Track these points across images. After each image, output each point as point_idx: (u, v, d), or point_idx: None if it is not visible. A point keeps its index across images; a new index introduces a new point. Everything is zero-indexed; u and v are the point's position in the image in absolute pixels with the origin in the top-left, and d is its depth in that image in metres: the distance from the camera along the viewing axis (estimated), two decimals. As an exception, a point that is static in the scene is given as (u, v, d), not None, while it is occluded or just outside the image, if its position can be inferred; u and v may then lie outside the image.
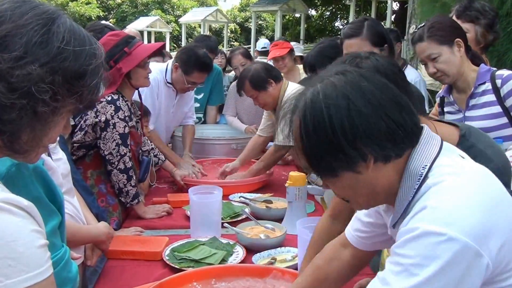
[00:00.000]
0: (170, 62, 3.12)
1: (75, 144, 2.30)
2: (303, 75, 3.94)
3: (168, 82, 3.08)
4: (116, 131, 2.24)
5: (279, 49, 4.02)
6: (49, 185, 1.12)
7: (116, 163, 2.26)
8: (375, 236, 1.25)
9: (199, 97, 3.98)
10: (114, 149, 2.25)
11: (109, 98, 2.25)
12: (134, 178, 2.35)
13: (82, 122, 2.28)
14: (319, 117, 0.95)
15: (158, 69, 3.03)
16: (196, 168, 2.99)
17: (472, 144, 1.38)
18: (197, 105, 3.93)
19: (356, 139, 0.93)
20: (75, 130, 2.30)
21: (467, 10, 2.39)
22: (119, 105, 2.26)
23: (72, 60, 0.88)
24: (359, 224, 1.28)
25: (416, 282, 0.86)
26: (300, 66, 4.00)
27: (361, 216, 1.27)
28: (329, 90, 0.96)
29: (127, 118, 2.29)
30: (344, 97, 0.94)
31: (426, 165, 0.97)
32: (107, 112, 2.23)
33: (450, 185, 0.93)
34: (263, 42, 6.33)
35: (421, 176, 0.96)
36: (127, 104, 2.34)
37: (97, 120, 2.23)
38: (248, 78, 2.88)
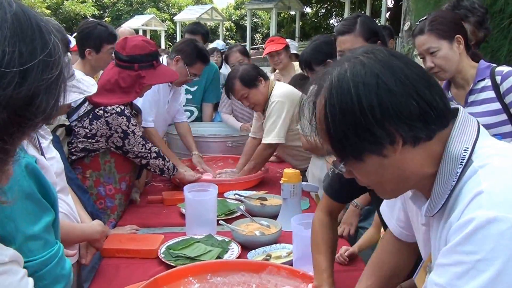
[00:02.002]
0: (165, 57, 3.12)
1: (78, 147, 2.31)
2: (299, 71, 3.95)
3: None
4: (137, 135, 2.38)
5: (275, 45, 4.03)
6: (42, 182, 1.12)
7: (149, 155, 2.44)
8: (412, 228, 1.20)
9: (193, 89, 3.96)
10: (141, 149, 2.41)
11: (118, 110, 2.32)
12: (166, 156, 2.53)
13: (87, 130, 2.30)
14: (346, 95, 0.89)
15: None
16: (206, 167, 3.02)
17: None
18: (190, 96, 3.94)
19: (385, 119, 0.88)
20: (77, 136, 2.31)
21: (456, 9, 2.39)
22: (128, 114, 2.36)
23: (18, 84, 0.65)
24: (401, 214, 1.23)
25: (488, 278, 0.79)
26: (295, 64, 4.01)
27: (398, 204, 1.22)
28: (357, 68, 0.91)
29: (135, 122, 2.41)
30: (374, 75, 0.89)
31: (467, 148, 0.91)
32: (121, 124, 2.32)
33: (500, 166, 0.87)
34: (221, 43, 6.23)
35: (464, 159, 0.90)
36: (129, 110, 2.40)
37: (112, 132, 2.31)
38: (238, 76, 2.88)
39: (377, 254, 1.36)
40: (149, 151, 2.43)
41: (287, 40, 4.39)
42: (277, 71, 4.19)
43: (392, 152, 0.91)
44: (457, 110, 0.97)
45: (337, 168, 0.99)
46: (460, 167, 0.90)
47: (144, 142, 2.41)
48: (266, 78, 2.96)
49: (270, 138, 2.86)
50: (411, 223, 1.17)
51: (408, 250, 1.29)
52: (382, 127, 0.88)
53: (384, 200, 1.29)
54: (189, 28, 4.35)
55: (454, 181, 0.91)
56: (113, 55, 2.95)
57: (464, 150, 0.91)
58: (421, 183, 0.97)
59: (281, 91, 2.91)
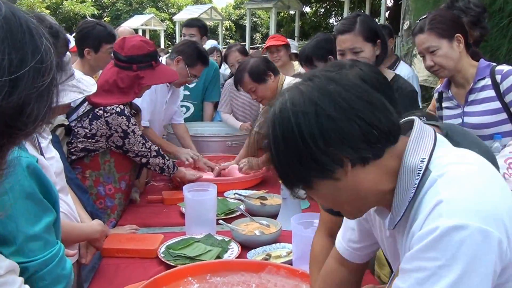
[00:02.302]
0: (164, 57, 3.12)
1: (78, 147, 2.30)
2: (298, 71, 3.95)
3: None
4: (137, 135, 2.38)
5: (276, 41, 4.05)
6: (44, 182, 1.12)
7: (149, 154, 2.45)
8: (367, 246, 1.22)
9: (191, 85, 3.96)
10: (142, 148, 2.42)
11: (118, 110, 2.32)
12: (166, 155, 2.55)
13: (87, 131, 2.30)
14: (287, 126, 0.91)
15: None
16: (197, 154, 3.02)
17: (457, 143, 1.38)
18: (187, 93, 3.94)
19: (328, 145, 0.89)
20: (77, 136, 2.30)
21: (450, 9, 2.39)
22: (127, 114, 2.36)
23: (8, 93, 0.62)
24: (352, 234, 1.24)
25: (448, 283, 0.81)
26: (295, 63, 4.02)
27: (350, 224, 1.23)
28: (296, 97, 0.92)
29: (135, 122, 2.41)
30: (312, 103, 0.90)
31: (424, 158, 0.92)
32: (121, 124, 2.33)
33: (457, 174, 0.89)
34: (211, 43, 6.31)
35: (421, 170, 0.91)
36: (128, 109, 2.40)
37: (112, 131, 2.31)
38: (247, 70, 2.86)
39: (321, 281, 1.35)
40: (149, 150, 2.44)
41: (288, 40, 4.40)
42: None
43: (343, 175, 0.92)
44: (412, 121, 0.99)
45: (295, 195, 1.01)
46: (417, 178, 0.91)
47: (144, 141, 2.42)
48: (276, 72, 2.93)
49: None
50: (376, 237, 1.17)
51: (352, 272, 1.29)
52: (325, 153, 0.89)
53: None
54: (185, 22, 4.34)
55: (412, 192, 0.92)
56: (112, 55, 2.96)
57: (421, 161, 0.92)
58: (382, 199, 0.98)
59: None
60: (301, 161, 0.91)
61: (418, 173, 0.92)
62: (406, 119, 1.03)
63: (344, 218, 1.26)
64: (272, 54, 4.06)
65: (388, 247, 1.11)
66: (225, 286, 1.59)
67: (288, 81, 2.92)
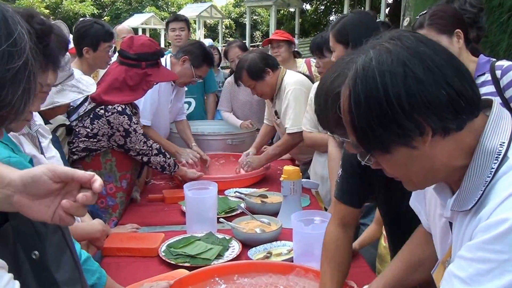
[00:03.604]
0: (167, 57, 3.12)
1: (79, 147, 2.30)
2: (300, 69, 3.95)
3: None
4: (139, 133, 2.39)
5: (278, 36, 4.07)
6: None
7: (150, 152, 2.45)
8: None
9: (194, 84, 3.98)
10: (143, 146, 2.42)
11: (120, 109, 2.33)
12: (167, 153, 2.55)
13: (88, 130, 2.31)
14: (371, 85, 0.85)
15: None
16: (204, 158, 3.02)
17: None
18: (185, 88, 3.95)
19: (413, 110, 0.83)
20: (79, 136, 2.30)
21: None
22: (129, 113, 2.37)
23: None
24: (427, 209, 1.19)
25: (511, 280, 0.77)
26: (298, 61, 4.03)
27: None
28: (383, 56, 0.86)
29: (137, 121, 2.43)
30: (401, 63, 0.84)
31: (503, 143, 0.87)
32: (122, 123, 2.34)
33: None
34: (207, 41, 6.41)
35: (499, 155, 0.86)
36: (129, 108, 2.41)
37: (114, 130, 2.32)
38: (245, 68, 2.88)
39: (407, 243, 1.34)
40: (150, 148, 2.45)
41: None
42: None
43: (422, 144, 0.87)
44: (491, 101, 0.94)
45: (363, 160, 0.96)
46: (495, 163, 0.86)
47: (146, 140, 2.43)
48: (275, 67, 2.93)
49: (295, 127, 2.83)
50: (427, 214, 1.14)
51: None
52: (410, 118, 0.84)
53: (412, 195, 1.26)
54: (172, 17, 4.36)
55: (489, 176, 0.87)
56: (110, 53, 2.96)
57: (500, 144, 0.87)
58: (451, 175, 0.94)
59: (296, 79, 2.90)
60: (384, 123, 0.86)
61: (497, 157, 0.86)
62: (483, 98, 0.96)
63: (419, 192, 1.21)
64: (273, 49, 4.08)
65: (438, 227, 1.07)
66: (252, 288, 1.57)
67: (290, 75, 2.92)
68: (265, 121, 3.26)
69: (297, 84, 2.86)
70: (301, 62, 4.04)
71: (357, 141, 0.93)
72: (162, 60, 3.08)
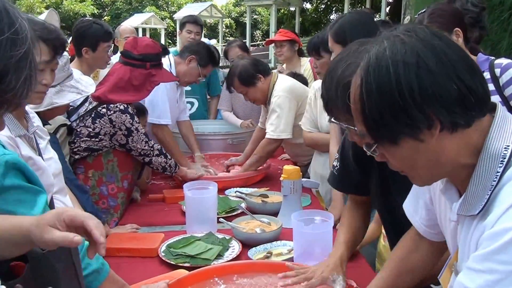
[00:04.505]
0: (170, 56, 3.11)
1: (81, 147, 2.30)
2: (303, 68, 3.95)
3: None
4: (141, 133, 2.39)
5: (280, 35, 4.07)
6: (27, 174, 1.15)
7: (151, 153, 2.45)
8: (437, 225, 1.17)
9: (198, 83, 3.99)
10: (145, 146, 2.41)
11: (122, 107, 2.33)
12: (168, 154, 2.56)
13: (90, 129, 2.30)
14: (384, 75, 0.86)
15: (164, 64, 3.03)
16: (210, 170, 2.98)
17: None
18: (188, 88, 3.96)
19: (424, 102, 0.84)
20: (80, 136, 2.30)
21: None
22: (131, 112, 2.37)
23: None
24: (423, 212, 1.20)
25: None
26: (303, 59, 4.03)
27: (420, 203, 1.19)
28: (397, 46, 0.87)
29: (138, 120, 2.43)
30: (414, 54, 0.85)
31: (508, 146, 0.87)
32: (125, 121, 2.34)
33: None
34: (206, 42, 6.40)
35: (504, 158, 0.86)
36: (131, 108, 2.42)
37: (116, 129, 2.32)
38: (236, 75, 2.90)
39: (396, 249, 1.35)
40: (151, 148, 2.44)
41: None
42: (281, 65, 4.24)
43: (429, 137, 0.87)
44: (495, 104, 0.94)
45: (370, 150, 0.96)
46: (500, 166, 0.86)
47: (147, 140, 2.43)
48: (267, 73, 2.94)
49: (274, 133, 2.84)
50: (438, 217, 1.13)
51: (428, 249, 1.27)
52: (420, 110, 0.85)
53: (407, 198, 1.27)
54: (192, 18, 4.27)
55: (494, 180, 0.87)
56: (109, 52, 2.96)
57: (505, 148, 0.87)
58: (455, 173, 0.94)
59: (284, 85, 2.90)
60: (394, 114, 0.86)
61: (502, 161, 0.86)
62: None
63: (414, 194, 1.23)
64: (277, 48, 4.10)
65: (449, 229, 1.07)
66: (252, 288, 1.56)
67: (281, 81, 2.91)
68: (259, 125, 3.21)
69: (285, 91, 2.86)
70: (305, 61, 4.04)
71: (366, 131, 0.93)
72: (166, 59, 3.10)
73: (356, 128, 1.02)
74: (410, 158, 0.92)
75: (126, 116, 2.34)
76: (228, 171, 3.05)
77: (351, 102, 0.95)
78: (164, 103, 2.92)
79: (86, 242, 1.29)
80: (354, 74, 0.94)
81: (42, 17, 2.58)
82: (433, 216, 1.18)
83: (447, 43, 0.89)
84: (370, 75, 0.88)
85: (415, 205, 1.24)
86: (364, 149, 0.98)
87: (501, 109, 0.93)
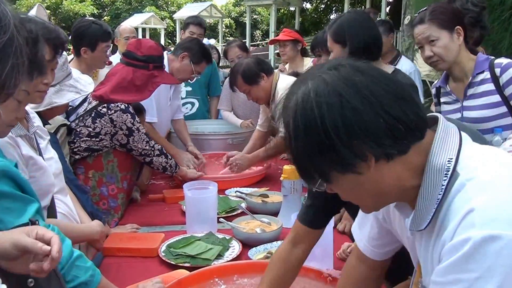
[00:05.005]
0: (165, 53, 3.11)
1: (81, 147, 2.29)
2: (305, 68, 3.95)
3: None
4: (142, 133, 2.39)
5: (283, 35, 4.08)
6: (19, 182, 1.15)
7: (152, 153, 2.45)
8: (387, 244, 1.20)
9: (192, 81, 3.99)
10: (146, 146, 2.41)
11: (123, 107, 2.33)
12: (168, 154, 2.55)
13: (90, 129, 2.29)
14: (310, 116, 0.88)
15: None
16: (199, 161, 2.99)
17: None
18: (189, 88, 3.97)
19: (351, 139, 0.86)
20: (80, 136, 2.29)
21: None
22: (132, 111, 2.37)
23: None
24: (371, 231, 1.22)
25: None
26: (306, 59, 4.03)
27: (369, 221, 1.21)
28: (320, 87, 0.89)
29: (139, 120, 2.42)
30: (336, 94, 0.87)
31: (451, 159, 0.89)
32: (126, 121, 2.33)
33: (487, 180, 0.85)
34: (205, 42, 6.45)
35: (448, 171, 0.88)
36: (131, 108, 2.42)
37: (117, 129, 2.32)
38: (240, 73, 2.89)
39: (342, 277, 1.36)
40: (152, 148, 2.45)
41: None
42: (283, 64, 4.25)
43: (367, 169, 0.89)
44: (436, 118, 0.95)
45: (314, 186, 0.97)
46: (445, 179, 0.88)
47: (148, 139, 2.43)
48: (269, 72, 2.94)
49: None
50: (396, 234, 1.15)
51: (372, 269, 1.28)
52: (348, 147, 0.86)
53: (355, 221, 1.28)
54: (196, 20, 4.26)
55: (440, 194, 0.88)
56: (108, 52, 2.95)
57: (448, 161, 0.89)
58: (404, 195, 0.95)
59: (287, 82, 2.89)
60: (322, 153, 0.88)
61: (446, 174, 0.88)
62: (429, 114, 0.99)
63: (363, 215, 1.24)
64: (280, 48, 4.11)
65: (407, 243, 1.09)
66: (252, 288, 1.56)
67: (282, 79, 2.92)
68: (258, 127, 3.20)
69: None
70: (308, 61, 4.04)
71: (298, 171, 0.96)
72: None
73: None
74: (353, 190, 0.94)
75: (127, 115, 2.33)
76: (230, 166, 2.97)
77: (285, 144, 0.96)
78: (150, 101, 2.88)
79: (76, 252, 1.30)
80: (285, 115, 0.95)
81: (32, 13, 2.58)
82: (385, 234, 1.19)
83: (371, 77, 0.90)
84: (297, 117, 0.90)
85: (362, 227, 1.26)
86: (309, 186, 1.00)
87: (442, 123, 0.94)
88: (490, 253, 0.79)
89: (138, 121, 2.39)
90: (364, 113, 0.86)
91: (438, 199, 0.88)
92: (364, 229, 1.25)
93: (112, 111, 2.30)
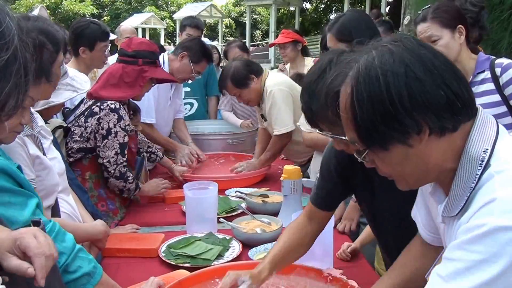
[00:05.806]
0: (165, 54, 3.11)
1: (73, 148, 2.29)
2: (306, 68, 3.95)
3: None
4: (117, 140, 2.27)
5: (281, 37, 4.07)
6: (17, 179, 1.15)
7: (113, 171, 2.28)
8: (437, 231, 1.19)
9: (192, 80, 3.99)
10: (112, 157, 2.27)
11: (113, 106, 2.27)
12: (131, 175, 2.36)
13: (82, 129, 2.27)
14: (374, 84, 0.89)
15: None
16: (194, 154, 3.01)
17: None
18: (188, 89, 3.97)
19: (413, 109, 0.88)
20: (73, 136, 2.29)
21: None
22: (121, 114, 2.28)
23: None
24: (427, 218, 1.21)
25: (485, 279, 0.82)
26: (307, 59, 4.03)
27: (423, 213, 1.21)
28: (385, 56, 0.91)
29: (127, 127, 2.32)
30: (402, 63, 0.89)
31: (487, 149, 0.91)
32: (110, 121, 2.25)
33: None
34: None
35: (483, 161, 0.90)
36: (126, 111, 2.37)
37: (99, 127, 2.25)
38: (229, 77, 2.86)
39: (402, 255, 1.34)
40: (115, 168, 2.26)
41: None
42: (283, 64, 4.26)
43: (418, 142, 0.91)
44: (476, 109, 0.97)
45: (360, 157, 0.99)
46: (479, 169, 0.90)
47: (119, 152, 2.26)
48: (259, 73, 2.91)
49: (281, 128, 2.83)
50: (434, 219, 1.15)
51: (434, 255, 1.24)
52: (410, 116, 0.88)
53: (414, 207, 1.27)
54: (193, 23, 4.24)
55: (473, 182, 0.91)
56: (107, 52, 2.95)
57: (484, 151, 0.91)
58: (441, 177, 0.98)
59: (274, 81, 2.88)
60: (385, 121, 0.89)
61: (480, 164, 0.91)
62: None
63: (416, 202, 1.23)
64: (280, 50, 4.11)
65: (441, 231, 1.10)
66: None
67: (271, 77, 2.91)
68: (259, 125, 3.21)
69: (278, 85, 2.84)
70: (309, 61, 4.04)
71: (358, 138, 0.96)
72: (160, 58, 3.09)
73: (342, 137, 1.06)
74: (399, 164, 0.96)
75: (114, 115, 2.25)
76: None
77: (341, 111, 0.98)
78: (149, 101, 2.89)
79: (77, 246, 1.30)
80: (343, 84, 0.97)
81: (34, 13, 2.58)
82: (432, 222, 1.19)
83: (432, 52, 0.93)
84: (360, 85, 0.91)
85: (419, 211, 1.25)
86: (355, 155, 1.01)
87: (482, 113, 0.97)
88: (500, 241, 0.81)
89: (123, 126, 2.27)
90: (427, 84, 0.88)
91: (471, 187, 0.91)
92: (420, 215, 1.25)
93: (102, 111, 2.25)
